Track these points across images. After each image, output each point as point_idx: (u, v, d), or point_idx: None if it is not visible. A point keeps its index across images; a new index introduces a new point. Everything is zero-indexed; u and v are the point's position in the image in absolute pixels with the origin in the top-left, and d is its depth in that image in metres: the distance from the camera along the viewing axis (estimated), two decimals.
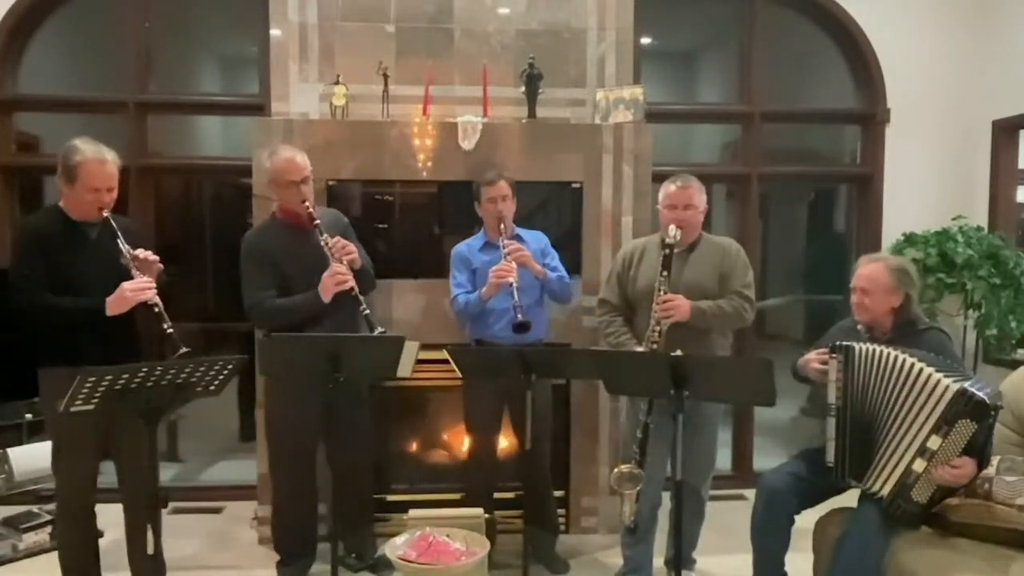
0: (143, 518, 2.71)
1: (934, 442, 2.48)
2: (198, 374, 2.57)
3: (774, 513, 2.81)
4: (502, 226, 3.24)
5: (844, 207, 5.12)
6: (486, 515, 3.14)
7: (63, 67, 4.62)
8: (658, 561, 3.26)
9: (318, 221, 3.07)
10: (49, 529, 3.62)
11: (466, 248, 3.43)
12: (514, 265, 3.14)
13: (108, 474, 2.92)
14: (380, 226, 3.83)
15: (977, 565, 2.41)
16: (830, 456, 2.70)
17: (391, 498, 3.80)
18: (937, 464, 2.48)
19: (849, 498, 2.80)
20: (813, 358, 2.81)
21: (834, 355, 2.71)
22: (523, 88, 3.84)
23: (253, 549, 3.71)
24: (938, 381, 2.50)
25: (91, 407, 2.40)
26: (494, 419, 3.45)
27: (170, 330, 2.70)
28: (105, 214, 2.76)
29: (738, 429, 4.65)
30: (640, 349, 2.98)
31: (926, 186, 4.55)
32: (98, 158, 2.76)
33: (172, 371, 2.51)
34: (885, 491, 2.57)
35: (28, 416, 3.79)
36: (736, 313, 3.05)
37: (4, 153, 4.29)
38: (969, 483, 2.53)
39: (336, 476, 3.32)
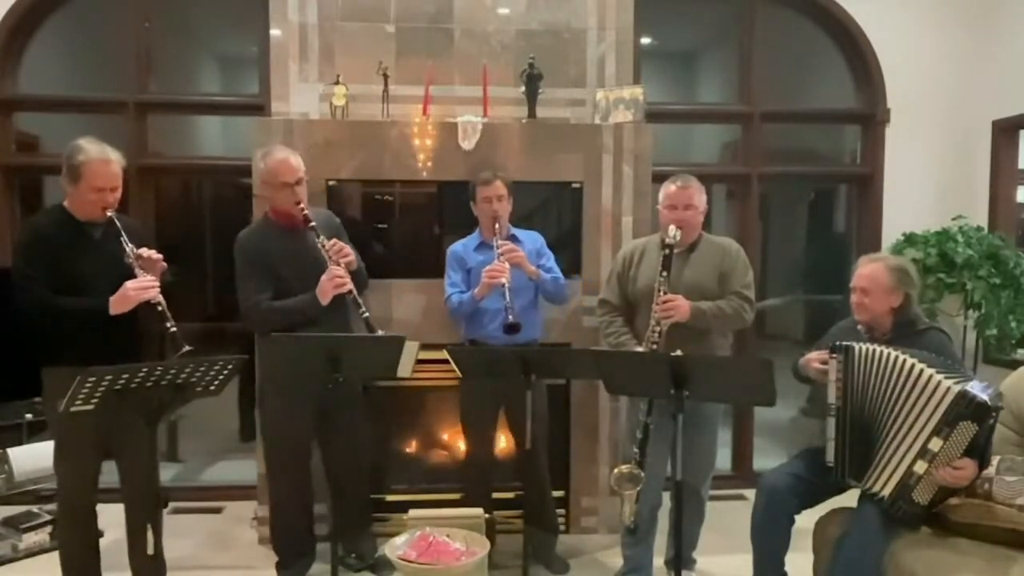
0: (144, 518, 2.72)
1: (935, 444, 2.48)
2: (198, 374, 2.58)
3: (774, 513, 2.81)
4: (497, 226, 3.24)
5: (844, 207, 5.12)
6: (486, 515, 3.14)
7: (63, 67, 4.62)
8: (658, 561, 3.26)
9: (314, 223, 3.06)
10: (49, 529, 3.62)
11: (461, 247, 3.43)
12: (507, 266, 3.14)
13: (108, 474, 2.92)
14: (380, 226, 3.84)
15: (977, 565, 2.41)
16: (830, 456, 2.70)
17: (391, 498, 3.80)
18: (938, 466, 2.48)
19: (849, 498, 2.80)
20: (813, 358, 2.81)
21: (834, 355, 2.71)
22: (523, 88, 3.84)
23: (253, 549, 3.71)
24: (939, 382, 2.50)
25: (91, 407, 2.41)
26: (490, 419, 3.44)
27: (173, 329, 2.70)
28: (109, 214, 2.76)
29: (738, 429, 4.65)
30: (640, 349, 2.98)
31: (926, 186, 4.55)
32: (102, 158, 2.76)
33: (172, 371, 2.52)
34: (886, 492, 2.57)
35: (28, 416, 3.79)
36: (736, 313, 3.04)
37: (4, 153, 4.29)
38: (969, 483, 2.53)
39: (333, 477, 3.33)
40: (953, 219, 4.29)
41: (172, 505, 4.13)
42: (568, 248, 3.79)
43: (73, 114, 4.49)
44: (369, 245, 3.76)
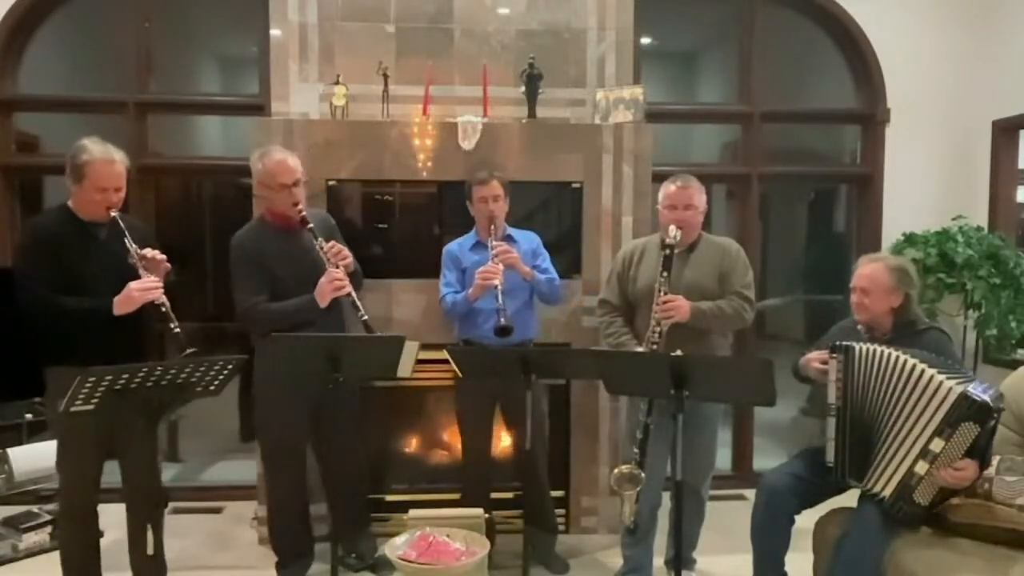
0: (144, 518, 2.72)
1: (937, 445, 2.47)
2: (198, 374, 2.58)
3: (774, 513, 2.81)
4: (492, 226, 3.24)
5: (844, 207, 5.12)
6: (486, 515, 3.14)
7: (63, 67, 4.62)
8: (658, 561, 3.26)
9: (312, 225, 3.06)
10: (49, 529, 3.62)
11: (457, 247, 3.43)
12: (501, 267, 3.13)
13: (109, 474, 2.91)
14: (380, 226, 3.84)
15: (977, 565, 2.41)
16: (830, 456, 2.70)
17: (390, 498, 3.80)
18: (940, 467, 2.48)
19: (849, 498, 2.80)
20: (813, 358, 2.81)
21: (834, 355, 2.71)
22: (523, 88, 3.84)
23: (253, 549, 3.71)
24: (940, 383, 2.49)
25: (91, 407, 2.41)
26: (486, 418, 3.44)
27: (177, 330, 2.70)
28: (113, 214, 2.76)
29: (738, 429, 4.65)
30: (640, 349, 2.98)
31: (926, 186, 4.55)
32: (106, 158, 2.76)
33: (172, 371, 2.52)
34: (887, 492, 2.57)
35: (28, 416, 3.79)
36: (736, 313, 3.04)
37: (4, 153, 4.29)
38: (970, 484, 2.53)
39: (329, 477, 3.33)
40: (953, 219, 4.29)
41: (172, 505, 4.12)
42: (568, 248, 3.79)
43: (73, 114, 4.49)
44: (369, 245, 3.76)
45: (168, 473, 4.49)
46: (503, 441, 3.68)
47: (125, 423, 2.68)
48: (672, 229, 2.95)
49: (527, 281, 3.30)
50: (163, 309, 2.71)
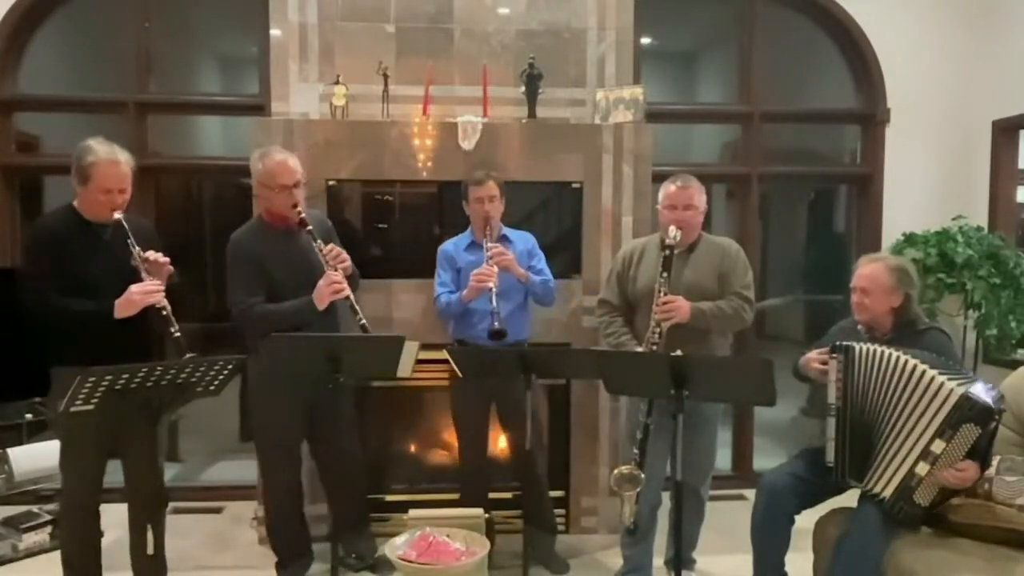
0: (145, 517, 2.72)
1: (937, 446, 2.47)
2: (198, 374, 2.58)
3: (774, 513, 2.81)
4: (488, 227, 3.24)
5: (844, 207, 5.12)
6: (486, 515, 3.14)
7: (63, 67, 4.62)
8: (658, 561, 3.26)
9: (311, 227, 3.04)
10: (49, 529, 3.62)
11: (452, 247, 3.43)
12: (495, 269, 3.13)
13: (112, 473, 2.91)
14: (380, 226, 3.83)
15: (977, 565, 2.41)
16: (830, 456, 2.70)
17: (390, 498, 3.80)
18: (941, 467, 2.48)
19: (849, 498, 2.80)
20: (813, 358, 2.81)
21: (834, 355, 2.71)
22: (523, 88, 3.84)
23: (253, 549, 3.71)
24: (941, 384, 2.49)
25: (91, 407, 2.41)
26: (482, 419, 3.44)
27: (177, 334, 2.69)
28: (117, 215, 2.75)
29: (738, 429, 4.65)
30: (640, 349, 2.98)
31: (926, 186, 4.55)
32: (111, 159, 2.75)
33: (172, 371, 2.52)
34: (887, 493, 2.57)
35: (28, 416, 3.79)
36: (736, 314, 3.04)
37: (4, 153, 4.29)
38: (970, 484, 2.53)
39: (329, 478, 3.32)
40: (953, 219, 4.29)
41: (172, 505, 4.10)
42: (568, 248, 3.79)
43: (73, 114, 4.49)
44: (369, 245, 3.76)
45: (168, 473, 4.45)
46: (500, 442, 3.68)
47: (126, 423, 2.68)
48: (672, 229, 2.95)
49: (522, 283, 3.30)
50: (164, 313, 2.70)
